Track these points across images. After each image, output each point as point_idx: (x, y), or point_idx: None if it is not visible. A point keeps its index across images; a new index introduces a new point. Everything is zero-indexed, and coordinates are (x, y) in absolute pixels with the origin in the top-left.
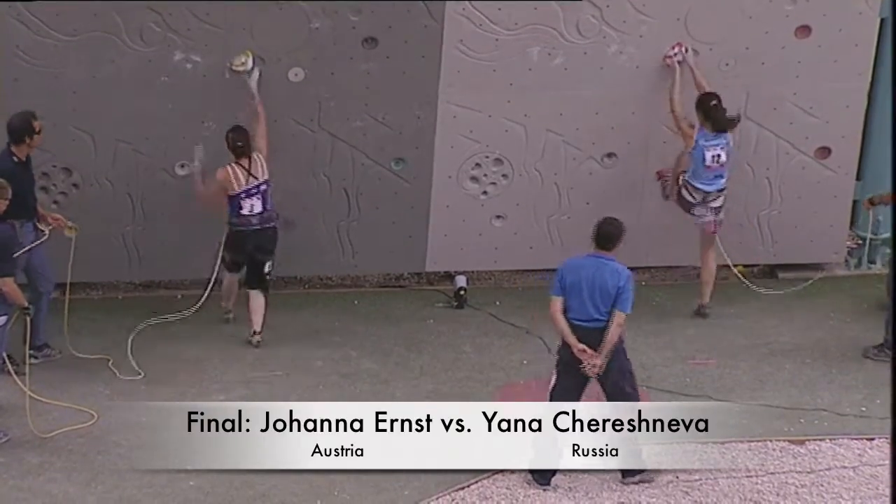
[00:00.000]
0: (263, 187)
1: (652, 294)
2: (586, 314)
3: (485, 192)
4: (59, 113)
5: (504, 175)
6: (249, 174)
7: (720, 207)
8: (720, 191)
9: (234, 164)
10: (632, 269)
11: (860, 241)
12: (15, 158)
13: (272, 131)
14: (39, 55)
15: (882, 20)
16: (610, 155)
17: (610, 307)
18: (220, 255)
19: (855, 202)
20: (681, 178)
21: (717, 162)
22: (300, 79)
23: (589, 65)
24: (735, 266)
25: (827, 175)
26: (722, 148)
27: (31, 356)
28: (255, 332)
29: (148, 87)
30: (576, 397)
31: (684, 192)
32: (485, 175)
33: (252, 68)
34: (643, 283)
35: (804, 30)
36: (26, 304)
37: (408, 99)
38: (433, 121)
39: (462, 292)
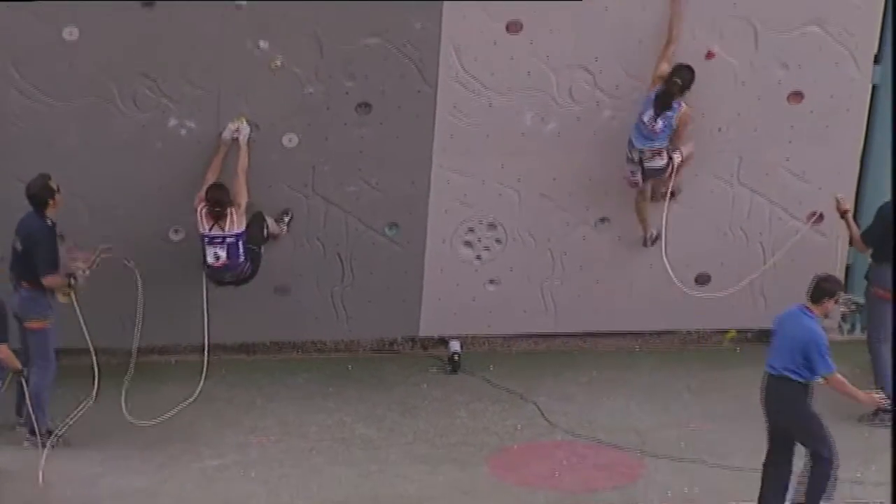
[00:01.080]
0: (231, 240)
1: (645, 359)
2: (776, 362)
3: (478, 257)
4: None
5: (498, 240)
6: (217, 220)
7: (658, 170)
8: (654, 152)
9: (207, 208)
10: (624, 333)
11: (853, 307)
12: (48, 221)
13: (266, 197)
14: (33, 121)
15: (874, 86)
16: (603, 219)
17: (800, 361)
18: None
19: (848, 267)
20: None
21: (652, 126)
22: (294, 144)
23: (582, 130)
24: (727, 331)
25: (819, 240)
26: (666, 119)
27: (22, 427)
28: None
29: (142, 153)
30: None
31: (627, 150)
32: (478, 240)
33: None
34: (636, 347)
35: (796, 96)
36: (20, 367)
37: (401, 164)
38: (427, 186)
39: (456, 357)
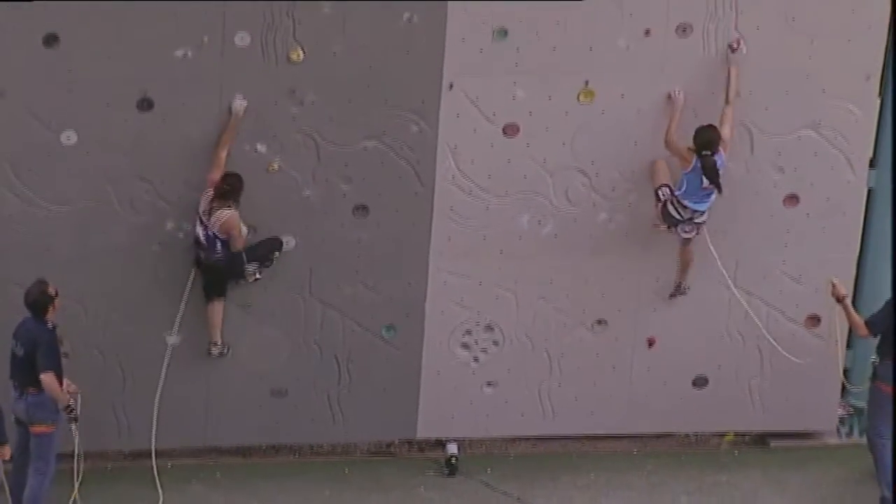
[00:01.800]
0: (210, 232)
1: (644, 462)
2: None
3: (476, 359)
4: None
5: (495, 342)
6: (210, 211)
7: (704, 223)
8: (708, 208)
9: (211, 194)
10: (622, 436)
11: (851, 410)
12: (50, 325)
13: (262, 300)
14: (31, 226)
15: (870, 190)
16: (601, 321)
17: None
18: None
19: (846, 371)
20: (661, 191)
21: (709, 187)
22: (291, 247)
23: (578, 232)
24: (726, 434)
25: (817, 343)
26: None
27: None
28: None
29: (139, 256)
30: None
31: (670, 207)
32: (476, 342)
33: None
34: (635, 450)
35: (792, 199)
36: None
37: (398, 266)
38: (424, 288)
39: (453, 460)
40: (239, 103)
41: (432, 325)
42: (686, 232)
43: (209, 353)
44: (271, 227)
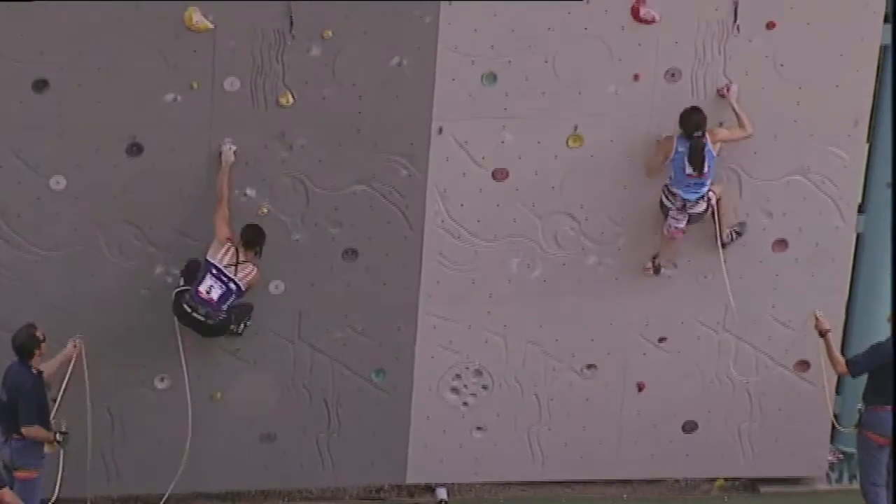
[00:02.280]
0: (232, 287)
1: None
2: None
3: (465, 403)
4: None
5: (484, 386)
6: (236, 265)
7: (702, 213)
8: (701, 197)
9: (237, 245)
10: (612, 481)
11: (841, 456)
12: (34, 370)
13: (251, 345)
14: (20, 270)
15: (859, 235)
16: (590, 366)
17: None
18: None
19: (836, 416)
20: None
21: (700, 175)
22: (280, 291)
23: (568, 276)
24: (716, 479)
25: (806, 388)
26: (707, 161)
27: None
28: None
29: (128, 300)
30: None
31: (662, 197)
32: (465, 386)
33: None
34: (625, 495)
35: (781, 244)
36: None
37: (388, 310)
38: (413, 332)
39: None
40: (228, 149)
41: (422, 369)
42: (676, 220)
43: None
44: (261, 270)
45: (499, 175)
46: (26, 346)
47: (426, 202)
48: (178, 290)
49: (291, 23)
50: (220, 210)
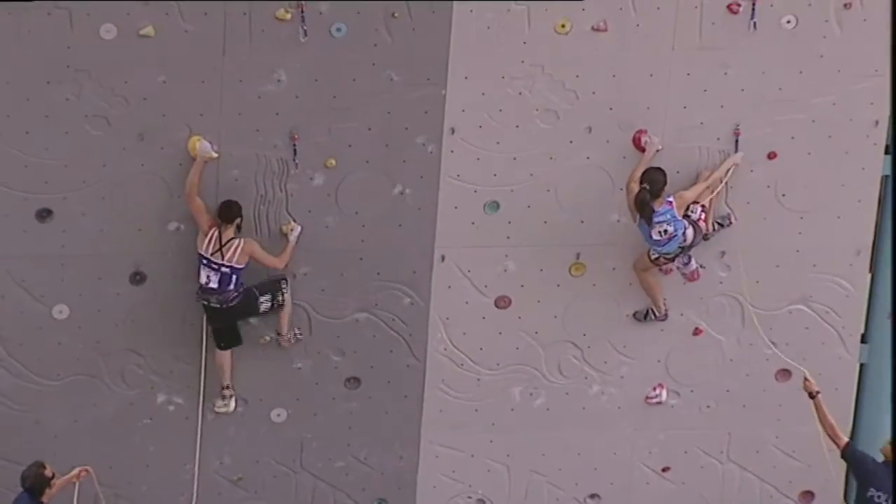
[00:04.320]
0: (225, 269)
1: None
2: None
3: None
4: (40, 458)
5: None
6: (220, 249)
7: (694, 243)
8: (682, 246)
9: (219, 227)
10: None
11: None
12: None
13: (253, 474)
14: (21, 400)
15: (862, 365)
16: (593, 496)
17: None
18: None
19: None
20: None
21: (665, 235)
22: (282, 419)
23: (570, 405)
24: None
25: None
26: (667, 221)
27: None
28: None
29: (130, 430)
30: None
31: (652, 255)
32: None
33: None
34: None
35: (784, 373)
36: None
37: (390, 439)
38: (415, 460)
39: None
40: (207, 145)
41: (424, 498)
42: (681, 267)
43: (219, 401)
44: (262, 399)
45: (501, 303)
46: (36, 487)
47: (429, 330)
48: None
49: (295, 152)
50: (192, 202)
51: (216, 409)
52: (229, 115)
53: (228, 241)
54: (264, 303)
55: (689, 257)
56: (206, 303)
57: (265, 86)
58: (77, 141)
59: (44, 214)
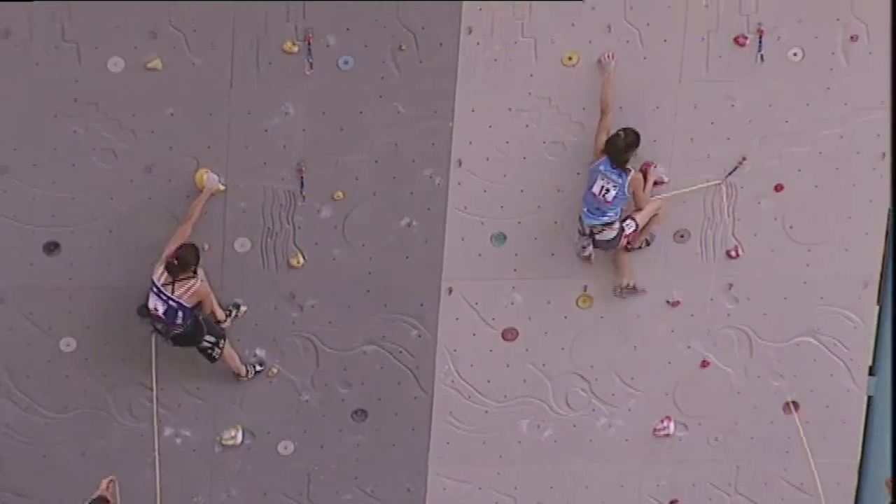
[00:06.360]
0: (172, 304)
1: None
2: None
3: None
4: (47, 493)
5: None
6: (173, 283)
7: (609, 241)
8: (605, 225)
9: (166, 263)
10: None
11: None
12: None
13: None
14: (28, 433)
15: (870, 398)
16: None
17: None
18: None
19: None
20: None
21: (603, 196)
22: (289, 452)
23: (578, 437)
24: None
25: None
26: (614, 185)
27: None
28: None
29: (138, 463)
30: None
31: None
32: None
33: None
34: None
35: (792, 406)
36: None
37: (397, 471)
38: (423, 493)
39: None
40: (214, 178)
41: None
42: (582, 248)
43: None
44: (269, 432)
45: (508, 335)
46: None
47: (436, 362)
48: None
49: (302, 184)
50: (183, 228)
51: (223, 442)
52: (237, 147)
53: (185, 278)
54: (207, 342)
55: (589, 245)
56: (150, 322)
57: (272, 118)
58: (85, 174)
59: (51, 247)
